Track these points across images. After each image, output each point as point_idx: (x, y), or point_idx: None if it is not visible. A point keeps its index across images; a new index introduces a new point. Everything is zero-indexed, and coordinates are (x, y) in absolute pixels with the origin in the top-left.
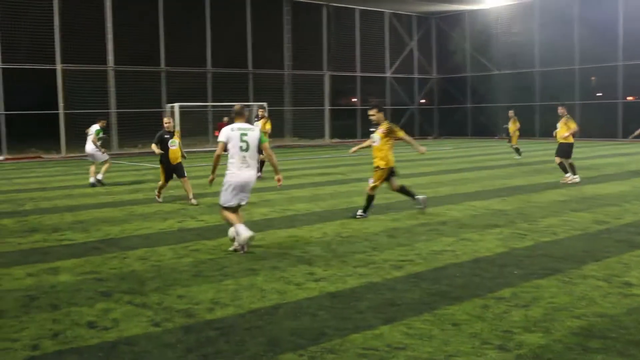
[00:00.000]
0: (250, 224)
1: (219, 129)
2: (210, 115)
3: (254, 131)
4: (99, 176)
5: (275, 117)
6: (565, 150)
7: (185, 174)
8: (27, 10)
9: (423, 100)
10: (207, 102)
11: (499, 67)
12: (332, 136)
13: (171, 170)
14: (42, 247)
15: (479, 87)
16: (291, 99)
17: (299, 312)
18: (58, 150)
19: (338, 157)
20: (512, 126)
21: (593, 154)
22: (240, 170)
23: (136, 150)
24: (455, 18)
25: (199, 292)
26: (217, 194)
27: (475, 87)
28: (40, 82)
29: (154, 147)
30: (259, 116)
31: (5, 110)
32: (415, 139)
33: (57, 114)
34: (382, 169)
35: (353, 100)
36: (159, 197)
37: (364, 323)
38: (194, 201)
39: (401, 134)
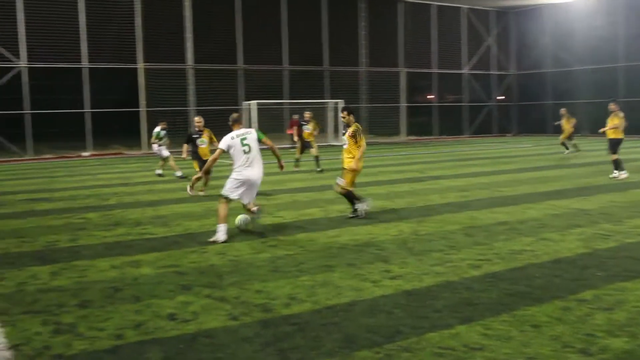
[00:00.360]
0: (326, 221)
1: (292, 127)
2: (287, 112)
3: (251, 134)
4: (158, 171)
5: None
6: (612, 145)
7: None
8: (111, 11)
9: (501, 97)
10: (283, 99)
11: (581, 63)
12: (409, 133)
13: (203, 163)
14: (125, 240)
15: (560, 83)
16: (367, 96)
17: (375, 309)
18: (139, 147)
19: (414, 154)
20: (566, 124)
21: None
22: (245, 170)
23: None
24: (534, 12)
25: (276, 287)
26: (294, 190)
27: (556, 83)
28: (122, 81)
29: (184, 147)
30: (307, 119)
31: (92, 108)
32: (494, 136)
33: (138, 112)
34: (353, 170)
35: (429, 97)
36: (191, 190)
37: (440, 322)
38: (190, 192)
39: (362, 142)
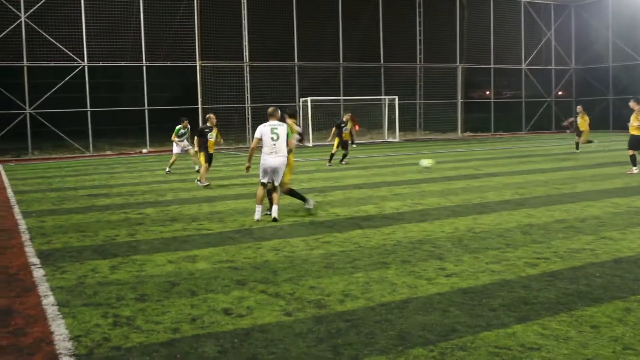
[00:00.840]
0: (380, 218)
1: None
2: (342, 109)
3: (283, 127)
4: (167, 169)
5: (406, 111)
6: (633, 142)
7: (211, 163)
8: (169, 10)
9: (560, 93)
10: (339, 96)
11: None
12: (465, 130)
13: (209, 155)
14: (182, 235)
15: (622, 78)
16: (423, 92)
17: (429, 307)
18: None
19: (470, 151)
20: (582, 121)
21: None
22: (268, 156)
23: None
24: (596, 5)
25: (330, 283)
26: (347, 187)
27: (618, 78)
28: (180, 79)
29: (196, 140)
30: (346, 121)
31: (148, 105)
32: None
33: (196, 109)
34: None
35: (487, 92)
36: (201, 182)
37: (496, 321)
38: (198, 183)
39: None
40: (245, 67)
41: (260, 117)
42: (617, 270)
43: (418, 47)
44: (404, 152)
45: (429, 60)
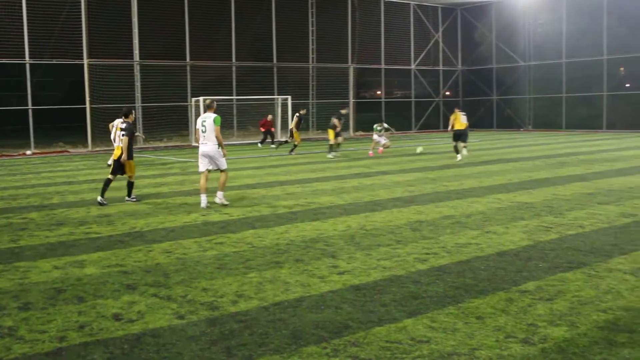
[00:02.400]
0: (274, 217)
1: (263, 126)
2: (235, 108)
3: (211, 118)
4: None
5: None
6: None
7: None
8: (55, 5)
9: (448, 93)
10: (231, 95)
11: (525, 59)
12: (357, 129)
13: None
14: (69, 240)
15: (505, 79)
16: (315, 92)
17: (322, 305)
18: (85, 145)
19: (362, 150)
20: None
21: (621, 145)
22: (201, 146)
23: (161, 144)
24: (481, 9)
25: (223, 285)
26: (242, 187)
27: (501, 79)
28: (67, 77)
29: (125, 141)
30: (339, 117)
31: (33, 105)
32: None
33: (84, 109)
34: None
35: (378, 92)
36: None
37: (387, 316)
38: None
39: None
40: (135, 65)
41: (153, 117)
42: (500, 263)
43: (311, 47)
44: (297, 151)
45: (322, 60)
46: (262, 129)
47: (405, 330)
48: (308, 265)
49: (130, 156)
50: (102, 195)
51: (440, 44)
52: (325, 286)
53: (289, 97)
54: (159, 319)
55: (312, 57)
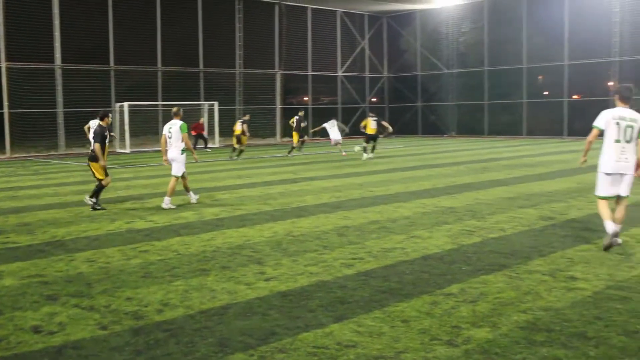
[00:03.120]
0: (200, 224)
1: (195, 129)
2: (160, 114)
3: (177, 125)
4: None
5: (228, 116)
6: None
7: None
8: None
9: (374, 99)
10: (157, 101)
11: (449, 66)
12: (284, 135)
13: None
14: None
15: (429, 86)
16: (243, 98)
17: (249, 311)
18: (3, 151)
19: (289, 155)
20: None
21: (540, 151)
22: (169, 151)
23: (84, 151)
24: (406, 17)
25: (148, 293)
26: (161, 195)
27: (426, 86)
28: None
29: (98, 147)
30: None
31: None
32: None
33: (2, 114)
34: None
35: (305, 98)
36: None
37: (314, 322)
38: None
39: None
40: (56, 69)
41: (74, 123)
42: (425, 266)
43: (238, 52)
44: (224, 157)
45: (249, 66)
46: (194, 133)
47: (331, 335)
48: (235, 272)
49: (95, 159)
50: (92, 197)
51: (367, 51)
52: (252, 293)
53: (216, 103)
54: (81, 330)
55: (240, 63)
